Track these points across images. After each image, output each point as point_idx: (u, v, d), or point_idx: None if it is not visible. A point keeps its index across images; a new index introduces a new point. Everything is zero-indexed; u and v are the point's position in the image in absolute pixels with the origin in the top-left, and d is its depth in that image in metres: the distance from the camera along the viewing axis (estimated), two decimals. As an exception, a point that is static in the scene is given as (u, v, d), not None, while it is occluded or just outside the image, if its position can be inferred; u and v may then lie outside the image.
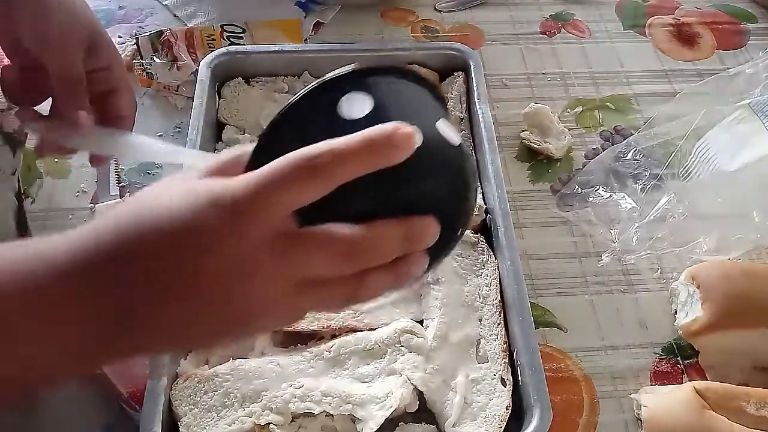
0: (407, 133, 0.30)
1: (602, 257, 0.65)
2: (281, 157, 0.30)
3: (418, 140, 0.30)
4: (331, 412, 0.51)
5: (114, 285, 0.31)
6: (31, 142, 0.71)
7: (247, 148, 0.34)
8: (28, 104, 0.55)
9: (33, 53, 0.52)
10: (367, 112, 0.32)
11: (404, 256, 0.33)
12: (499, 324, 0.57)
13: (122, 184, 0.70)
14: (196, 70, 0.72)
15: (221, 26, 0.81)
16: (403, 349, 0.55)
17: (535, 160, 0.74)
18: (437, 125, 0.34)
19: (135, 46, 0.78)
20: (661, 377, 0.59)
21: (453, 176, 0.34)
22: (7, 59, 0.56)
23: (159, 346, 0.35)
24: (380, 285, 0.33)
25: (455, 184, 0.34)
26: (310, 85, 0.33)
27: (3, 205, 0.65)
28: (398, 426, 0.52)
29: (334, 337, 0.56)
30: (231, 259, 0.30)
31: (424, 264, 0.34)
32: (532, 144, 0.73)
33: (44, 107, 0.55)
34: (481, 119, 0.67)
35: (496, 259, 0.60)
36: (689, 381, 0.57)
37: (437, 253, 0.35)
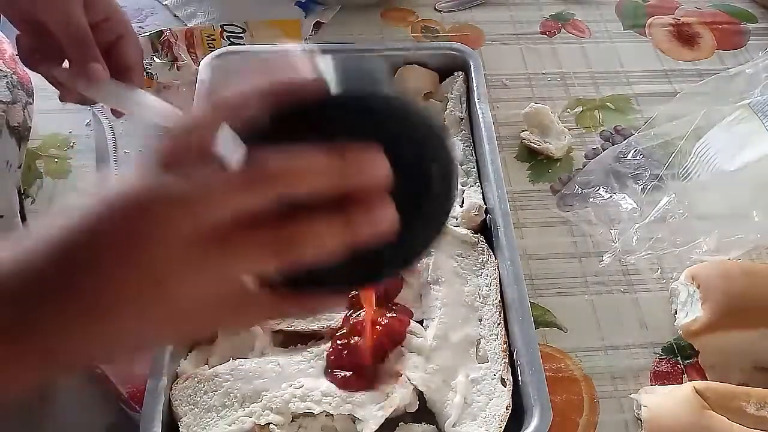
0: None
1: (603, 258, 0.65)
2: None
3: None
4: (331, 412, 0.51)
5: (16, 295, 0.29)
6: (33, 141, 0.71)
7: (193, 115, 0.32)
8: (45, 68, 0.56)
9: (35, 15, 0.53)
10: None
11: (357, 204, 0.29)
12: (499, 324, 0.57)
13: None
14: (196, 70, 0.72)
15: (221, 26, 0.81)
16: (403, 349, 0.55)
17: (535, 160, 0.74)
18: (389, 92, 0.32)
19: (135, 46, 0.78)
20: (661, 377, 0.59)
21: (409, 128, 0.32)
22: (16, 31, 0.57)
23: (72, 357, 0.32)
24: (323, 233, 0.29)
25: (414, 134, 0.32)
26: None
27: (9, 199, 0.65)
28: (398, 426, 0.52)
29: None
30: (129, 275, 0.29)
31: (387, 212, 0.30)
32: (532, 144, 0.73)
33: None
34: (481, 119, 0.67)
35: (496, 259, 0.60)
36: (689, 381, 0.57)
37: (419, 218, 0.32)
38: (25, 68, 0.74)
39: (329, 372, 0.53)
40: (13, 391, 0.31)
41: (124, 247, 0.28)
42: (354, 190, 0.29)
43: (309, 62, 0.31)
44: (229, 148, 0.29)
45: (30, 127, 0.72)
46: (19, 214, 0.66)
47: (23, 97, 0.71)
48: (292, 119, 0.30)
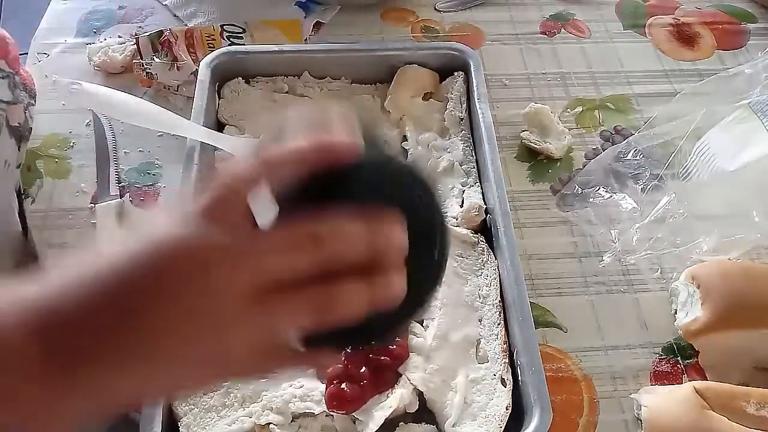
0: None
1: (603, 258, 0.65)
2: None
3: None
4: (331, 412, 0.51)
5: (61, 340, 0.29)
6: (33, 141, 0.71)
7: (238, 170, 0.33)
8: None
9: None
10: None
11: (378, 270, 0.32)
12: (499, 324, 0.57)
13: (122, 184, 0.70)
14: (196, 70, 0.72)
15: (221, 26, 0.81)
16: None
17: (535, 160, 0.74)
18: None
19: (135, 46, 0.78)
20: (661, 377, 0.59)
21: (419, 199, 0.35)
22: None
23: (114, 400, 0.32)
24: (352, 296, 0.31)
25: (422, 204, 0.35)
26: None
27: (6, 199, 0.65)
28: (398, 426, 0.52)
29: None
30: (194, 322, 0.30)
31: (400, 279, 0.32)
32: (532, 144, 0.73)
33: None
34: (481, 119, 0.67)
35: (496, 259, 0.60)
36: (689, 381, 0.57)
37: (419, 285, 0.34)
38: (28, 70, 0.74)
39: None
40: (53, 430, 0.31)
41: (182, 296, 0.30)
42: (379, 256, 0.32)
43: (346, 125, 0.34)
44: (264, 206, 0.31)
45: (31, 127, 0.72)
46: (17, 213, 0.66)
47: (25, 98, 0.71)
48: (325, 178, 0.32)
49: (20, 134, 0.69)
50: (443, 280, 0.36)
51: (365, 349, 0.51)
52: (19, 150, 0.69)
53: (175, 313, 0.30)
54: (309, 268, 0.31)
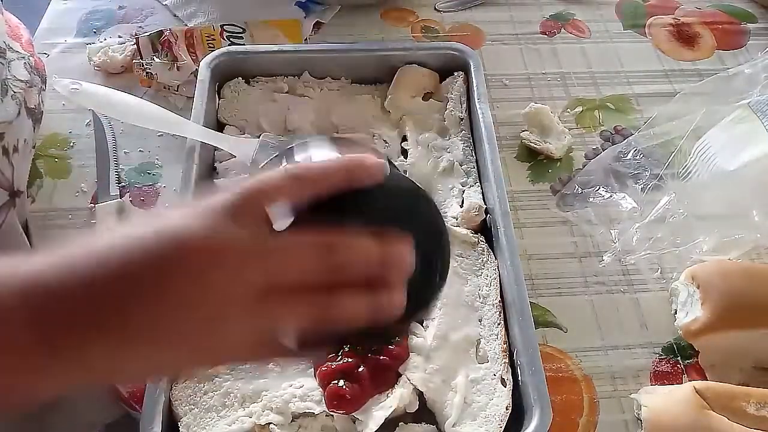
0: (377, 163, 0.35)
1: (603, 257, 0.65)
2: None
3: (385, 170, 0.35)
4: (331, 412, 0.51)
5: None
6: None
7: (267, 178, 0.34)
8: None
9: None
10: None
11: (381, 284, 0.34)
12: (499, 324, 0.57)
13: (122, 184, 0.70)
14: (196, 70, 0.72)
15: (221, 26, 0.81)
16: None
17: (535, 160, 0.74)
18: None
19: (135, 46, 0.78)
20: (661, 377, 0.59)
21: (427, 224, 0.38)
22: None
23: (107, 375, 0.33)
24: (353, 307, 0.33)
25: (430, 230, 0.38)
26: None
27: (23, 177, 0.67)
28: (398, 426, 0.52)
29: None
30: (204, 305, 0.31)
31: (401, 298, 0.34)
32: (532, 144, 0.73)
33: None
34: (481, 119, 0.67)
35: (496, 259, 0.60)
36: (689, 381, 0.57)
37: (417, 299, 0.36)
38: (39, 55, 0.75)
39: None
40: (39, 397, 0.31)
41: (193, 286, 0.31)
42: (386, 273, 0.34)
43: (376, 153, 0.37)
44: (282, 214, 0.33)
45: (43, 111, 0.73)
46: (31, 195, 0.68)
47: (38, 82, 0.72)
48: (345, 195, 0.34)
49: (35, 116, 0.70)
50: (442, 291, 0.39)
51: (361, 349, 0.52)
52: (35, 131, 0.70)
53: (179, 304, 0.30)
54: (317, 275, 0.32)
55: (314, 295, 0.33)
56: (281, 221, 0.33)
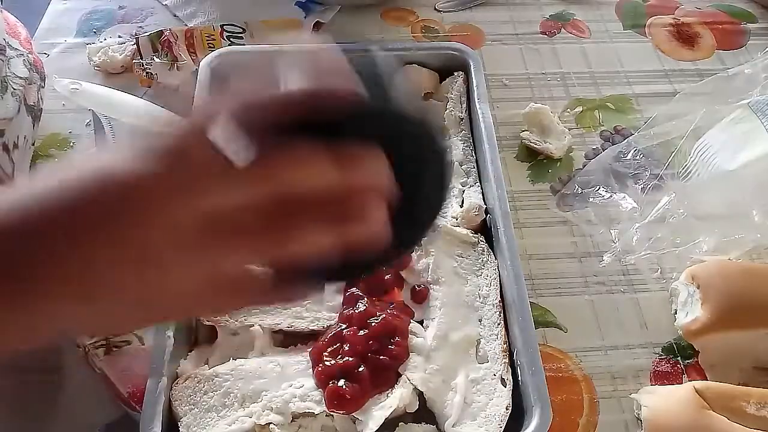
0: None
1: (603, 257, 0.65)
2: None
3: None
4: (331, 412, 0.51)
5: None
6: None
7: (203, 108, 0.31)
8: None
9: None
10: None
11: (353, 212, 0.30)
12: (499, 324, 0.57)
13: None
14: (196, 70, 0.72)
15: (221, 26, 0.81)
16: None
17: (535, 160, 0.74)
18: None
19: (135, 46, 0.78)
20: (661, 377, 0.59)
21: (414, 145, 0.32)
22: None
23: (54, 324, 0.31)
24: (316, 241, 0.29)
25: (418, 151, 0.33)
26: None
27: (25, 173, 0.67)
28: (398, 426, 0.52)
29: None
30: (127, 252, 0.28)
31: (380, 227, 0.30)
32: (532, 144, 0.73)
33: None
34: (481, 119, 0.67)
35: (496, 259, 0.60)
36: (689, 381, 0.57)
37: (411, 224, 0.33)
38: (39, 55, 0.75)
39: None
40: None
41: (121, 227, 0.28)
42: (353, 192, 0.30)
43: (345, 66, 0.32)
44: (234, 143, 0.28)
45: (42, 108, 0.73)
46: None
47: (37, 80, 0.72)
48: (315, 125, 0.29)
49: (34, 113, 0.70)
50: (440, 249, 0.35)
51: (351, 282, 0.48)
52: (34, 128, 0.70)
53: (109, 248, 0.28)
54: (267, 202, 0.29)
55: (263, 232, 0.29)
56: (236, 149, 0.28)
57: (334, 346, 0.54)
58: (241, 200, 0.29)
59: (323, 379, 0.52)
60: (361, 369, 0.52)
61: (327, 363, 0.52)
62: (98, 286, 0.29)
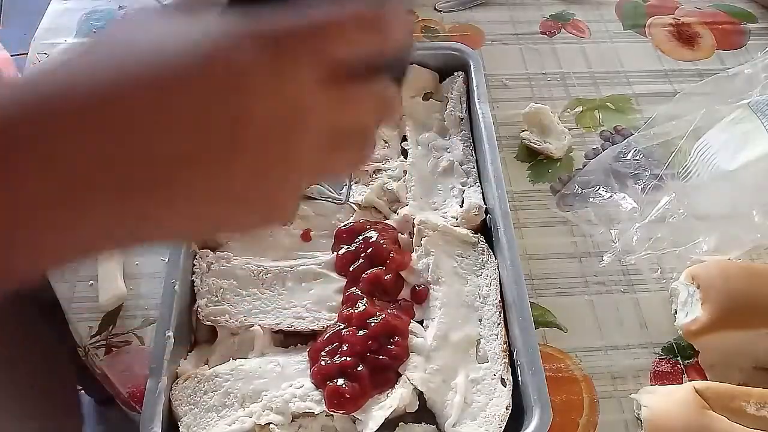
0: None
1: (603, 257, 0.65)
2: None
3: None
4: (331, 412, 0.51)
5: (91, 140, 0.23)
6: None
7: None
8: None
9: None
10: None
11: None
12: (499, 324, 0.57)
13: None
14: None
15: (221, 26, 0.81)
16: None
17: (535, 160, 0.74)
18: None
19: (135, 46, 0.78)
20: (661, 377, 0.59)
21: None
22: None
23: (167, 227, 0.26)
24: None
25: None
26: None
27: None
28: (398, 426, 0.52)
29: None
30: (274, 108, 0.24)
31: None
32: (532, 144, 0.73)
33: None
34: (481, 119, 0.67)
35: (496, 259, 0.60)
36: (689, 381, 0.57)
37: None
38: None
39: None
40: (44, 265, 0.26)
41: (265, 86, 0.25)
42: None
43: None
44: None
45: None
46: None
47: None
48: None
49: None
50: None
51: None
52: None
53: (206, 128, 0.24)
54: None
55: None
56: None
57: (332, 346, 0.54)
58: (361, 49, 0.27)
59: (319, 379, 0.52)
60: (359, 369, 0.52)
61: (323, 362, 0.52)
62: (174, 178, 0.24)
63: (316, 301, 0.58)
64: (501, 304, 0.58)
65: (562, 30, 0.88)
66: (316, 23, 0.26)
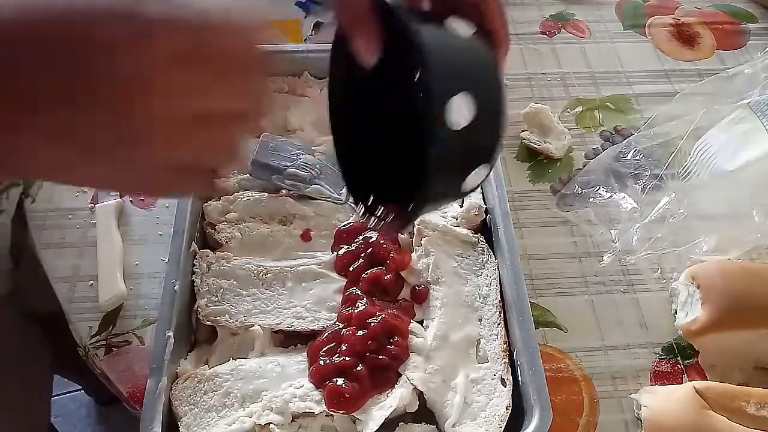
0: None
1: (604, 257, 0.65)
2: None
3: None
4: (331, 412, 0.51)
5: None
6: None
7: None
8: None
9: None
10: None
11: None
12: (499, 324, 0.57)
13: (122, 184, 0.69)
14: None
15: (221, 26, 0.81)
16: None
17: (535, 160, 0.74)
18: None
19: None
20: (661, 377, 0.59)
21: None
22: None
23: (34, 154, 0.29)
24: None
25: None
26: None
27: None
28: (398, 426, 0.52)
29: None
30: (140, 66, 0.27)
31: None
32: (532, 144, 0.73)
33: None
34: (481, 119, 0.67)
35: (496, 259, 0.60)
36: (689, 381, 0.57)
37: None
38: None
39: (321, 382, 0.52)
40: None
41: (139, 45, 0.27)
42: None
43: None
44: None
45: None
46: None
47: None
48: None
49: None
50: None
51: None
52: None
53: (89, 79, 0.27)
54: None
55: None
56: None
57: (331, 345, 0.54)
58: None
59: (318, 378, 0.52)
60: (358, 368, 0.52)
61: (322, 362, 0.53)
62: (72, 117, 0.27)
63: (316, 301, 0.58)
64: (501, 304, 0.58)
65: (562, 30, 0.88)
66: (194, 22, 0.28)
